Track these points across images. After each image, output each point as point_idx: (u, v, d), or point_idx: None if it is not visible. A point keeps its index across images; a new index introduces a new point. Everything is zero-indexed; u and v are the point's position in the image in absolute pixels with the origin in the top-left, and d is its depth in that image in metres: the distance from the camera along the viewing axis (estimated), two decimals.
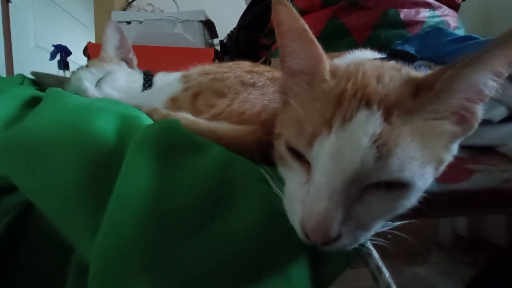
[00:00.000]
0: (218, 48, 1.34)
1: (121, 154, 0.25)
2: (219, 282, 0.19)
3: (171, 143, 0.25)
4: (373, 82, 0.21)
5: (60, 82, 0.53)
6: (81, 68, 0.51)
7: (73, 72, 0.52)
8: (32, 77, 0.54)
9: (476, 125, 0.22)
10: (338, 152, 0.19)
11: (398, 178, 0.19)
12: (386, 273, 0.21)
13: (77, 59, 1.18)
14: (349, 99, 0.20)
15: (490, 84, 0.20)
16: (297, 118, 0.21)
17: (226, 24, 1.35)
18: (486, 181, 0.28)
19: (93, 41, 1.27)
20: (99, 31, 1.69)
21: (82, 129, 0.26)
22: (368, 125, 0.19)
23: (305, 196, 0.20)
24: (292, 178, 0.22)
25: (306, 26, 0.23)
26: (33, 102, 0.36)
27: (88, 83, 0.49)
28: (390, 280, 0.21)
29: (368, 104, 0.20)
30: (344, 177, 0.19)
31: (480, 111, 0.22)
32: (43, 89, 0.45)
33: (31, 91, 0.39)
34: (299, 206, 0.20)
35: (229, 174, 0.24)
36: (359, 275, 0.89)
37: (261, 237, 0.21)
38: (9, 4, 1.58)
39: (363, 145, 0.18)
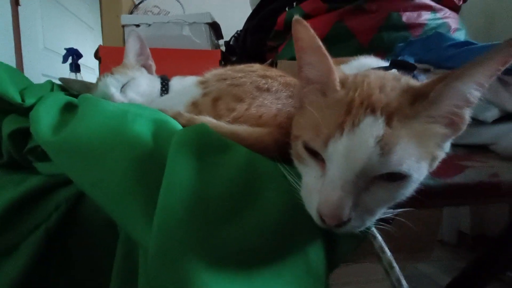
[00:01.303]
0: (223, 49, 1.37)
1: (160, 154, 0.29)
2: (251, 259, 0.23)
3: (205, 144, 0.29)
4: (377, 91, 0.25)
5: (87, 87, 0.57)
6: (107, 75, 0.55)
7: (99, 78, 0.56)
8: (59, 82, 0.58)
9: (464, 127, 0.26)
10: (349, 150, 0.23)
11: (398, 170, 0.23)
12: (388, 252, 0.25)
13: (85, 62, 1.22)
14: (357, 107, 0.24)
15: (474, 93, 0.24)
16: (313, 122, 0.26)
17: (230, 25, 1.38)
18: (476, 175, 0.32)
19: (99, 43, 1.31)
20: (107, 33, 1.72)
21: (125, 133, 0.30)
22: (373, 128, 0.23)
23: (321, 187, 0.24)
24: (309, 173, 0.26)
25: (321, 43, 0.27)
26: (69, 108, 0.40)
27: (114, 89, 0.53)
28: (392, 258, 0.25)
29: (373, 111, 0.24)
30: (354, 171, 0.23)
31: (468, 114, 0.26)
32: (70, 95, 0.49)
33: (65, 97, 0.43)
34: (316, 195, 0.24)
35: (255, 170, 0.28)
36: (360, 269, 0.92)
37: (283, 221, 0.25)
38: (19, 7, 1.62)
39: (369, 145, 0.22)
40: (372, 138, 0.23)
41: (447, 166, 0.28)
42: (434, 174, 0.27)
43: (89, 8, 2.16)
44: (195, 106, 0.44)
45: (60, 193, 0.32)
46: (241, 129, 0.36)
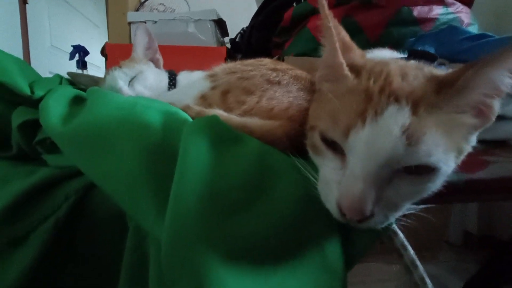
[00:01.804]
0: (228, 46, 1.36)
1: (171, 144, 0.28)
2: (265, 252, 0.23)
3: (217, 135, 0.28)
4: (398, 79, 0.24)
5: (95, 81, 0.57)
6: (115, 68, 0.55)
7: (107, 72, 0.56)
8: (67, 77, 0.58)
9: (493, 118, 0.24)
10: (372, 141, 0.22)
11: (426, 162, 0.22)
12: (411, 250, 0.24)
13: (91, 59, 1.23)
14: (378, 95, 0.23)
15: (506, 81, 0.22)
16: (331, 111, 0.24)
17: (236, 22, 1.37)
18: (501, 171, 0.31)
19: (105, 41, 1.32)
20: (113, 31, 1.73)
21: (135, 123, 0.30)
22: (398, 117, 0.22)
23: (341, 179, 0.23)
24: (327, 164, 0.25)
25: (332, 24, 0.26)
26: (77, 100, 0.40)
27: (122, 82, 0.52)
28: (415, 256, 0.23)
29: (396, 99, 0.23)
30: (377, 162, 0.22)
31: (497, 105, 0.24)
32: (78, 88, 0.49)
33: (74, 90, 0.43)
34: (335, 188, 0.23)
35: (267, 162, 0.27)
36: (368, 269, 0.91)
37: (298, 214, 0.24)
38: (26, 5, 1.64)
39: (394, 135, 0.21)
40: (397, 127, 0.21)
41: (470, 161, 0.27)
42: (457, 169, 0.26)
43: (95, 6, 2.18)
44: (204, 99, 0.43)
45: (69, 185, 0.32)
46: (252, 121, 0.35)
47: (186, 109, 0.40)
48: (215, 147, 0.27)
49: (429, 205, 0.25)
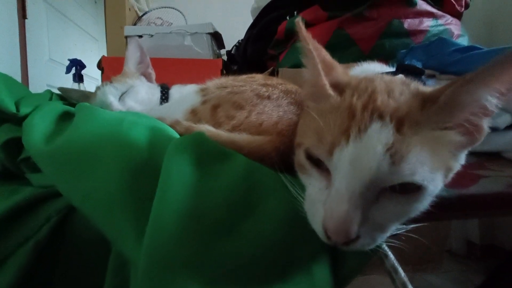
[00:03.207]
0: (225, 58, 1.38)
1: (155, 164, 0.27)
2: (251, 275, 0.21)
3: (202, 153, 0.28)
4: (383, 96, 0.24)
5: (86, 97, 0.57)
6: (105, 83, 0.55)
7: (98, 87, 0.56)
8: (58, 92, 0.58)
9: (481, 138, 0.24)
10: (356, 159, 0.21)
11: (411, 181, 0.21)
12: (402, 272, 0.23)
13: (89, 72, 1.24)
14: (361, 112, 0.23)
15: (491, 100, 0.22)
16: (316, 128, 0.24)
17: (232, 35, 1.40)
18: (493, 186, 0.30)
19: (104, 54, 1.33)
20: (111, 44, 1.76)
21: (120, 141, 0.29)
22: (382, 135, 0.21)
23: (326, 199, 0.22)
24: (313, 184, 0.25)
25: (312, 46, 0.26)
26: (65, 117, 0.40)
27: (112, 98, 0.52)
28: (406, 279, 0.22)
29: (380, 116, 0.22)
30: (362, 181, 0.21)
31: (486, 125, 0.23)
32: (69, 104, 0.49)
33: (62, 106, 0.43)
34: (321, 209, 0.22)
35: (253, 180, 0.27)
36: (369, 282, 0.88)
37: (285, 235, 0.24)
38: (26, 20, 1.66)
39: (378, 153, 0.21)
40: (381, 145, 0.21)
41: (461, 176, 0.26)
42: (447, 184, 0.25)
43: (95, 20, 2.22)
44: (194, 114, 0.43)
45: (51, 205, 0.31)
46: (241, 137, 0.34)
47: (175, 124, 0.39)
48: (199, 166, 0.26)
49: (419, 224, 0.24)
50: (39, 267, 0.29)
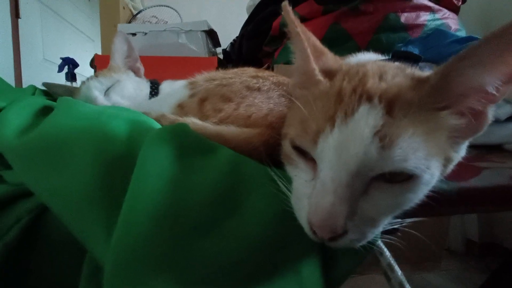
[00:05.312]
0: (221, 56, 1.36)
1: (133, 158, 0.25)
2: (235, 277, 0.19)
3: (182, 145, 0.26)
4: (375, 79, 0.22)
5: (70, 92, 0.54)
6: (90, 78, 0.53)
7: (83, 82, 0.54)
8: (43, 87, 0.56)
9: (483, 126, 0.22)
10: (341, 145, 0.19)
11: (402, 168, 0.19)
12: (398, 271, 0.21)
13: (83, 71, 1.22)
14: (349, 95, 0.21)
15: (487, 79, 0.20)
16: (301, 117, 0.22)
17: (228, 33, 1.38)
18: (495, 178, 0.28)
19: (99, 53, 1.31)
20: (105, 43, 1.73)
21: (96, 135, 0.27)
22: (369, 118, 0.19)
23: (311, 192, 0.20)
24: (299, 176, 0.23)
25: (300, 29, 0.24)
26: (45, 111, 0.38)
27: (97, 92, 0.50)
28: (403, 278, 0.20)
29: (369, 98, 0.20)
30: (349, 170, 0.19)
31: (490, 113, 0.22)
32: (54, 99, 0.46)
33: (43, 101, 0.41)
34: (306, 202, 0.20)
35: (239, 174, 0.25)
36: (367, 282, 0.87)
37: (272, 234, 0.22)
38: (19, 19, 1.64)
39: (366, 137, 0.19)
40: (368, 129, 0.19)
41: (461, 168, 0.24)
42: (447, 177, 0.23)
43: (90, 20, 2.20)
44: (181, 108, 0.41)
45: (22, 205, 0.28)
46: (228, 130, 0.32)
47: (160, 118, 0.38)
48: (179, 159, 0.24)
49: (417, 219, 0.22)
50: (10, 270, 0.27)
